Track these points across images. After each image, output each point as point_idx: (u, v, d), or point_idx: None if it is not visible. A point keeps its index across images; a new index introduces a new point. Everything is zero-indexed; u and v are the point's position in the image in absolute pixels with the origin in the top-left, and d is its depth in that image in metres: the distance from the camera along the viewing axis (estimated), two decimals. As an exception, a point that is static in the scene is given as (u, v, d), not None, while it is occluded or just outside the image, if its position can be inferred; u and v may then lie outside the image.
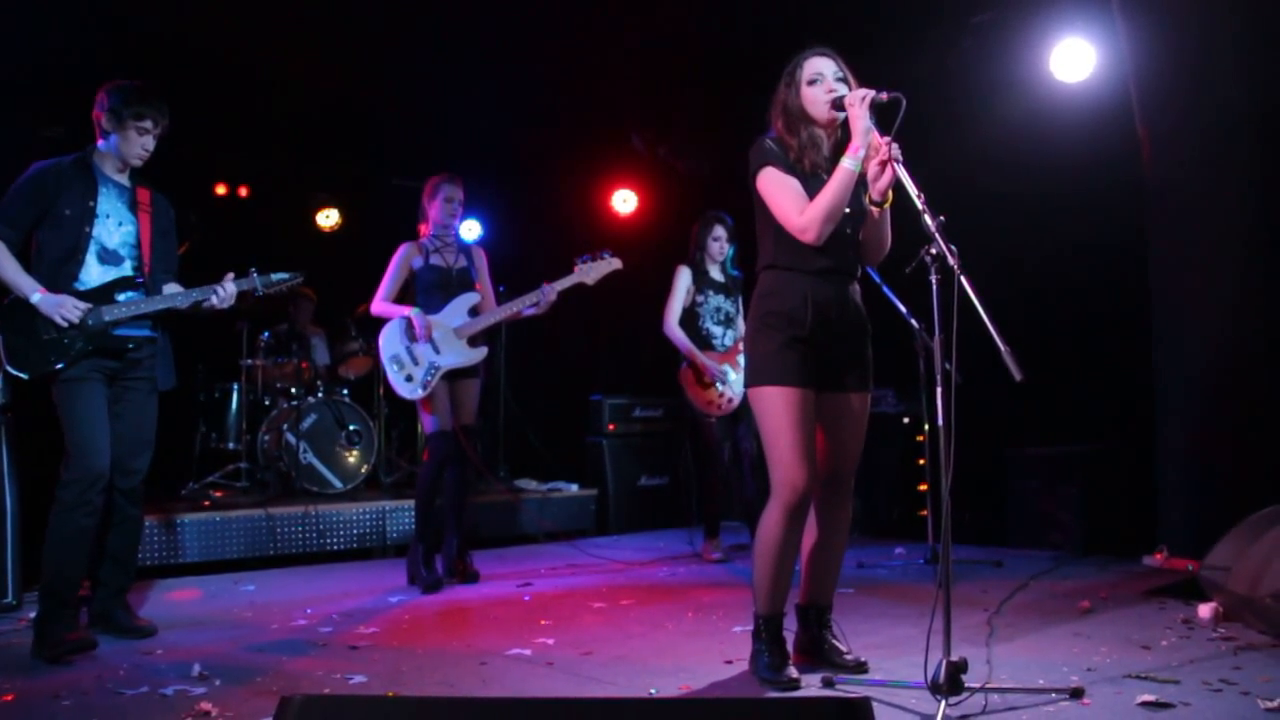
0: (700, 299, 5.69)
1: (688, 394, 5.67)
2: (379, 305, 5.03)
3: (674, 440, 7.41)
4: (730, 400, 5.59)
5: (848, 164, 3.08)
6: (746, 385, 3.32)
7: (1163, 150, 5.31)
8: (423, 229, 5.17)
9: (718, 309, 5.71)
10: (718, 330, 5.69)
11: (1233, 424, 5.00)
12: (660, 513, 7.29)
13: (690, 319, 5.68)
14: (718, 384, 5.56)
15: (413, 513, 5.25)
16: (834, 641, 3.38)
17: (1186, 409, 5.17)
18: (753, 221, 3.36)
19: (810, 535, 3.39)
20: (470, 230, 8.10)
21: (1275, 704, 2.78)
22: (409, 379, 4.93)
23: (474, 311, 5.07)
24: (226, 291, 3.98)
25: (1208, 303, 5.13)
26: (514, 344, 7.61)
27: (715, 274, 5.74)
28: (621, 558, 5.91)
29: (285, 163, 8.10)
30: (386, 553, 6.10)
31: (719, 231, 5.69)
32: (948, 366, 2.83)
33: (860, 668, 3.29)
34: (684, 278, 5.68)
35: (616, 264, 5.11)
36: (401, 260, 5.07)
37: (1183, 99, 5.17)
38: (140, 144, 3.88)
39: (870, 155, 3.10)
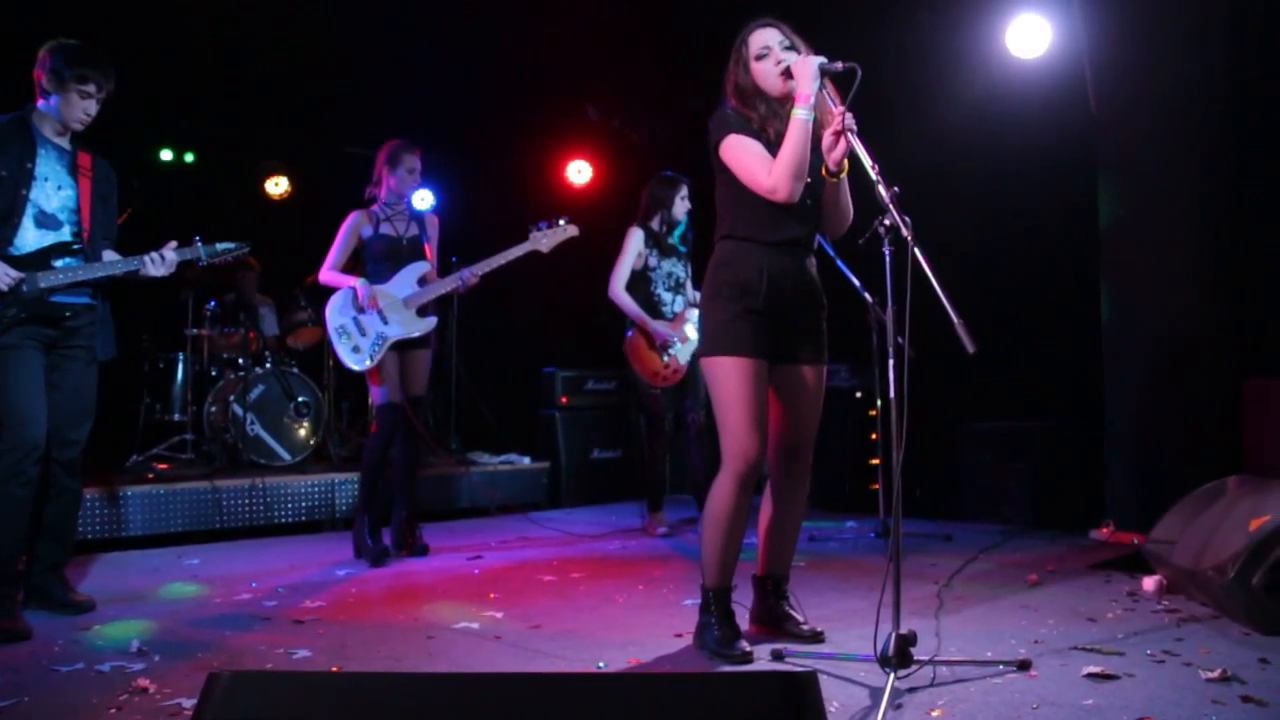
0: (654, 263, 5.53)
1: (632, 363, 5.54)
2: (326, 274, 4.93)
3: (627, 413, 7.39)
4: (675, 371, 5.46)
5: (800, 113, 3.04)
6: (699, 354, 3.28)
7: (1115, 127, 5.34)
8: (373, 191, 5.06)
9: (669, 274, 5.56)
10: (668, 297, 5.54)
11: (1179, 401, 5.06)
12: (612, 486, 7.27)
13: (641, 283, 5.52)
14: (665, 353, 5.44)
15: (362, 485, 5.17)
16: (790, 612, 3.39)
17: (1134, 386, 5.23)
18: (709, 190, 3.33)
19: (768, 508, 3.39)
20: (423, 200, 7.97)
21: (1215, 674, 2.81)
22: (356, 350, 4.84)
23: (423, 281, 4.98)
24: (166, 260, 3.85)
25: (1157, 279, 5.18)
26: (466, 315, 7.52)
27: (671, 237, 5.59)
28: (573, 530, 5.88)
29: (233, 128, 7.92)
30: (335, 526, 6.02)
31: (685, 191, 5.54)
32: (900, 339, 2.82)
33: (816, 637, 3.30)
34: (636, 240, 5.50)
35: (573, 231, 5.04)
36: (350, 229, 4.97)
37: (1136, 75, 5.20)
38: (82, 107, 3.75)
39: (824, 125, 3.07)
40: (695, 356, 3.34)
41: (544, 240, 4.99)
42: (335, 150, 8.11)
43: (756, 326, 3.15)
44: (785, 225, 3.19)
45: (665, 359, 5.45)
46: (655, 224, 5.57)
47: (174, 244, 3.91)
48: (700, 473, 5.54)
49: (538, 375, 7.41)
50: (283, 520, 5.91)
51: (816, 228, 3.32)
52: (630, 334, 5.55)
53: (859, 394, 6.65)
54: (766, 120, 3.19)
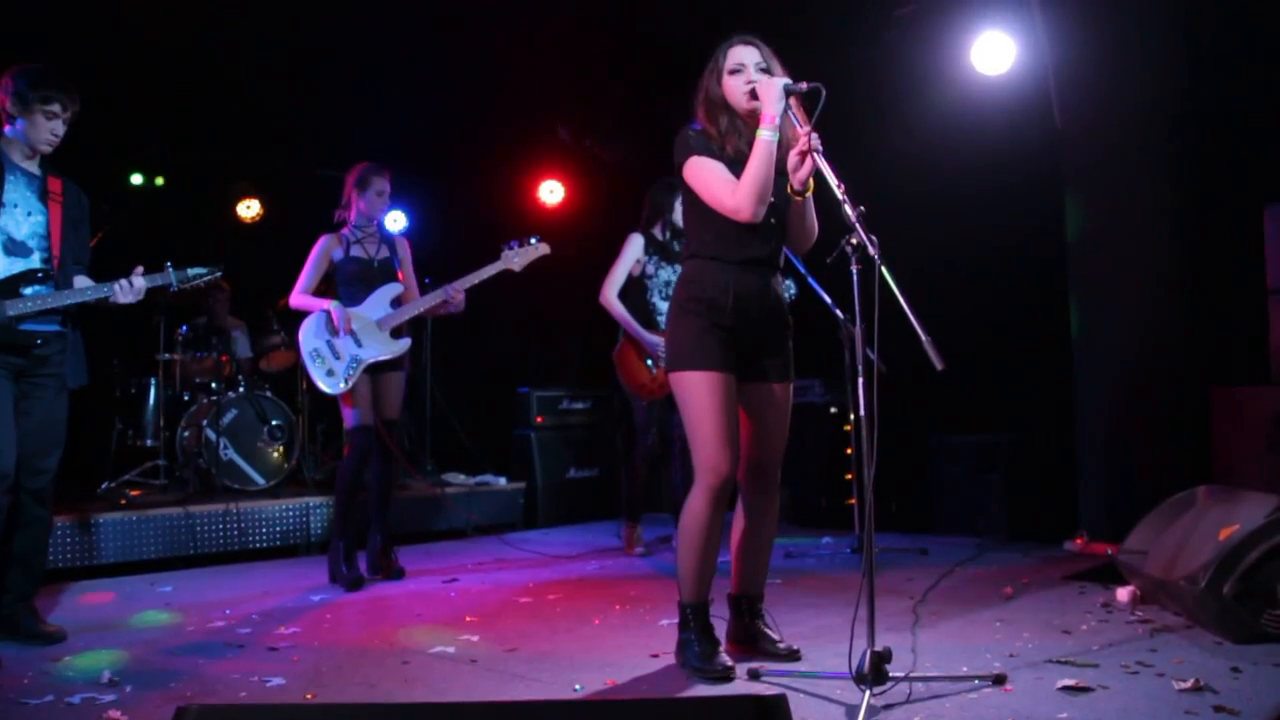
0: (652, 269, 5.41)
1: (619, 373, 5.46)
2: (297, 298, 4.91)
3: (602, 432, 7.39)
4: (662, 385, 5.38)
5: (765, 135, 3.07)
6: (667, 369, 3.29)
7: (1080, 142, 5.42)
8: (342, 214, 5.05)
9: (668, 283, 5.40)
10: (664, 306, 5.36)
11: (1149, 412, 5.12)
12: (589, 505, 7.26)
13: (637, 291, 5.41)
14: (651, 363, 5.35)
15: (338, 510, 5.14)
16: (766, 630, 3.39)
17: (1105, 397, 5.29)
18: None
19: (739, 525, 3.40)
20: (395, 221, 7.98)
21: (1188, 684, 2.84)
22: (330, 373, 4.82)
23: (396, 303, 4.98)
24: (134, 287, 3.81)
25: (1124, 292, 5.25)
26: (440, 336, 7.51)
27: (672, 245, 5.45)
28: (549, 551, 5.87)
29: (204, 152, 7.88)
30: (311, 550, 5.97)
31: None
32: (869, 355, 2.84)
33: (793, 655, 3.30)
34: (635, 246, 5.38)
35: (544, 250, 5.04)
36: (321, 252, 4.95)
37: (1100, 91, 5.28)
38: (49, 129, 3.72)
39: (789, 144, 3.10)
40: (665, 370, 3.32)
41: (516, 259, 4.99)
42: (307, 173, 8.07)
43: (723, 341, 3.17)
44: (750, 244, 3.22)
45: (653, 370, 5.38)
46: (658, 231, 5.47)
47: (142, 270, 3.88)
48: (680, 491, 5.50)
49: (512, 395, 7.39)
50: (257, 545, 5.86)
51: (781, 246, 3.34)
52: (620, 343, 5.49)
53: (833, 409, 6.68)
54: (727, 135, 3.22)
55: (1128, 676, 2.99)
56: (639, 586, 4.71)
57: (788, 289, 5.10)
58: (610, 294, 5.35)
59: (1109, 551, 4.68)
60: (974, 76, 5.76)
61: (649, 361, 5.37)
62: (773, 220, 3.23)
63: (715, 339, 3.17)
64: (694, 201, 3.25)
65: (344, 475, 4.94)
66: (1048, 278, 5.75)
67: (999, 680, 2.96)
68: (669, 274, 5.42)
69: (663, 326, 5.30)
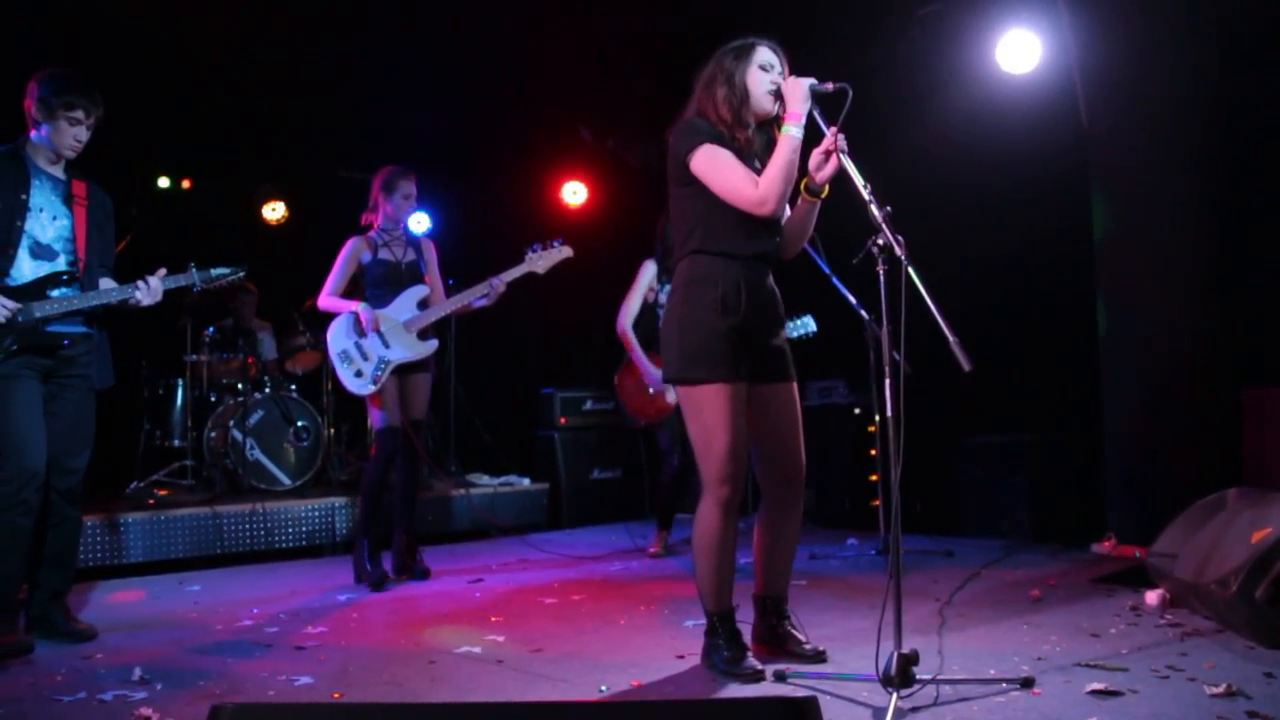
0: (664, 299, 5.37)
1: (619, 395, 5.58)
2: (326, 300, 4.94)
3: (626, 434, 7.39)
4: (660, 411, 5.46)
5: (793, 131, 3.04)
6: (673, 379, 3.21)
7: (1107, 139, 5.37)
8: (369, 218, 5.08)
9: None
10: None
11: (1178, 412, 5.07)
12: (613, 506, 7.27)
13: (650, 317, 5.46)
14: (653, 390, 5.42)
15: (363, 510, 5.17)
16: (792, 631, 3.37)
17: (1133, 397, 5.24)
18: None
19: (763, 527, 3.37)
20: (419, 223, 8.01)
21: (1220, 690, 2.81)
22: (359, 374, 4.85)
23: (423, 305, 5.00)
24: (150, 287, 3.82)
25: (1153, 291, 5.20)
26: (465, 337, 7.53)
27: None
28: (573, 552, 5.87)
29: (230, 155, 7.94)
30: (336, 550, 6.01)
31: None
32: (896, 357, 2.83)
33: (819, 657, 3.28)
34: (647, 274, 5.43)
35: (567, 253, 5.06)
36: (350, 254, 4.98)
37: (1127, 89, 5.24)
38: (72, 134, 3.76)
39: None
40: (669, 381, 3.29)
41: (540, 262, 5.01)
42: (331, 175, 8.13)
43: (735, 346, 3.12)
44: (759, 239, 3.18)
45: (652, 394, 5.45)
46: (662, 254, 5.48)
47: (163, 271, 3.90)
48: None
49: (536, 396, 7.41)
50: (283, 545, 5.90)
51: (780, 243, 3.31)
52: (621, 367, 5.57)
53: (857, 410, 6.66)
54: (735, 128, 3.17)
55: (1158, 681, 2.96)
56: (664, 587, 4.71)
57: (806, 326, 5.14)
58: (626, 323, 5.43)
59: (1137, 554, 4.64)
60: (999, 75, 5.73)
61: (650, 389, 5.45)
62: (781, 216, 3.22)
63: (725, 343, 3.10)
64: (698, 193, 3.15)
65: (370, 476, 4.97)
66: (1074, 277, 5.71)
67: (1027, 683, 2.93)
68: None
69: None
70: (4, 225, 3.65)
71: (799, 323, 5.24)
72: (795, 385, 3.31)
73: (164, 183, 7.99)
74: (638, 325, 5.46)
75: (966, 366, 2.69)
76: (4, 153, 3.75)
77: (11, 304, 3.58)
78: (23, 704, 3.04)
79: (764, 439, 3.28)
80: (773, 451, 3.29)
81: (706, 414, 3.11)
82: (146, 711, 2.89)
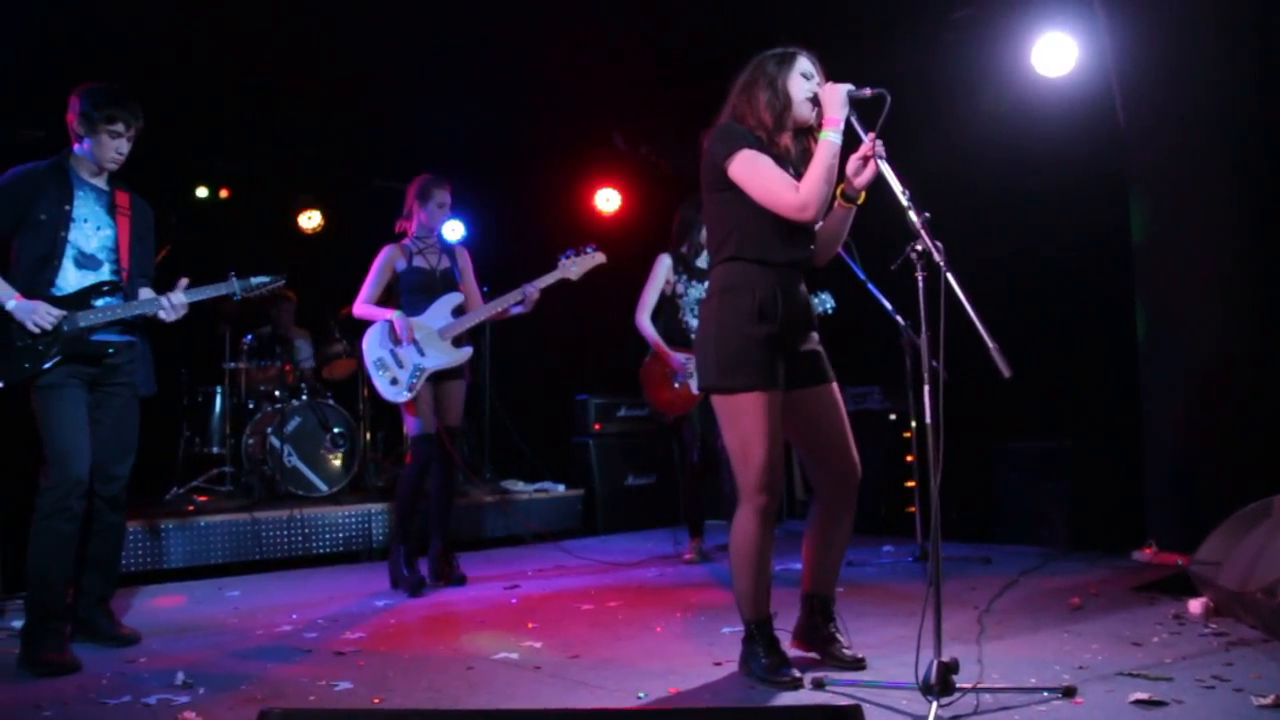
0: (682, 289, 5.48)
1: (644, 390, 5.56)
2: (361, 308, 4.98)
3: (660, 440, 7.40)
4: (686, 402, 5.45)
5: (831, 136, 3.04)
6: (709, 388, 3.20)
7: (1145, 142, 5.32)
8: (404, 225, 5.12)
9: (699, 301, 5.31)
10: (696, 324, 5.48)
11: (1221, 417, 5.01)
12: (647, 512, 7.27)
13: (669, 310, 5.50)
14: (677, 382, 5.41)
15: (399, 516, 5.20)
16: (835, 633, 3.36)
17: (1175, 402, 5.18)
18: None
19: (815, 528, 3.37)
20: (453, 231, 8.04)
21: (1269, 700, 2.77)
22: (394, 382, 4.89)
23: (457, 312, 5.03)
24: (172, 304, 3.86)
25: (1193, 295, 5.14)
26: (499, 344, 7.57)
27: (701, 262, 5.51)
28: (609, 558, 5.88)
29: (266, 164, 8.03)
30: (373, 556, 6.05)
31: None
32: (935, 365, 2.81)
33: (858, 664, 3.27)
34: (663, 267, 5.48)
35: (600, 259, 5.07)
36: (384, 262, 5.02)
37: (1164, 91, 5.19)
38: (113, 147, 3.82)
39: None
40: (704, 389, 3.28)
41: (573, 268, 5.03)
42: (366, 183, 8.21)
43: (771, 354, 3.12)
44: (795, 246, 3.18)
45: (676, 387, 5.44)
46: (685, 248, 5.55)
47: (184, 283, 3.91)
48: (731, 502, 5.49)
49: (571, 403, 7.43)
50: (320, 551, 5.96)
51: (814, 250, 3.31)
52: (646, 360, 5.56)
53: (893, 416, 6.62)
54: (776, 133, 3.17)
55: (1203, 691, 2.92)
56: (700, 594, 4.71)
57: (825, 303, 5.13)
58: (643, 317, 5.46)
59: (1179, 562, 4.58)
60: (1034, 78, 5.69)
61: (675, 381, 5.44)
62: (819, 222, 3.22)
63: (761, 351, 3.10)
64: (734, 199, 3.14)
65: (406, 482, 5.00)
66: (1112, 280, 5.65)
67: (1069, 693, 2.90)
68: (699, 291, 5.46)
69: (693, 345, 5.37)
70: (49, 236, 3.71)
71: (818, 299, 5.22)
72: (836, 386, 3.30)
73: (202, 193, 8.09)
74: (656, 318, 5.49)
75: (1006, 373, 2.68)
76: (49, 166, 3.81)
77: (57, 311, 3.65)
78: (70, 707, 3.09)
79: (812, 442, 3.27)
80: (823, 453, 3.28)
81: (743, 422, 3.11)
82: (190, 715, 2.93)
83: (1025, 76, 5.73)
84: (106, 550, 3.95)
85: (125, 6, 5.66)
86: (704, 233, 5.39)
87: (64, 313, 3.67)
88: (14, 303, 3.61)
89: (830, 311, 5.21)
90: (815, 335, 3.30)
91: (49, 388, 3.66)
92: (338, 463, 6.72)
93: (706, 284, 5.38)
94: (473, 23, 6.20)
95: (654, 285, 5.49)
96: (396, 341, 4.89)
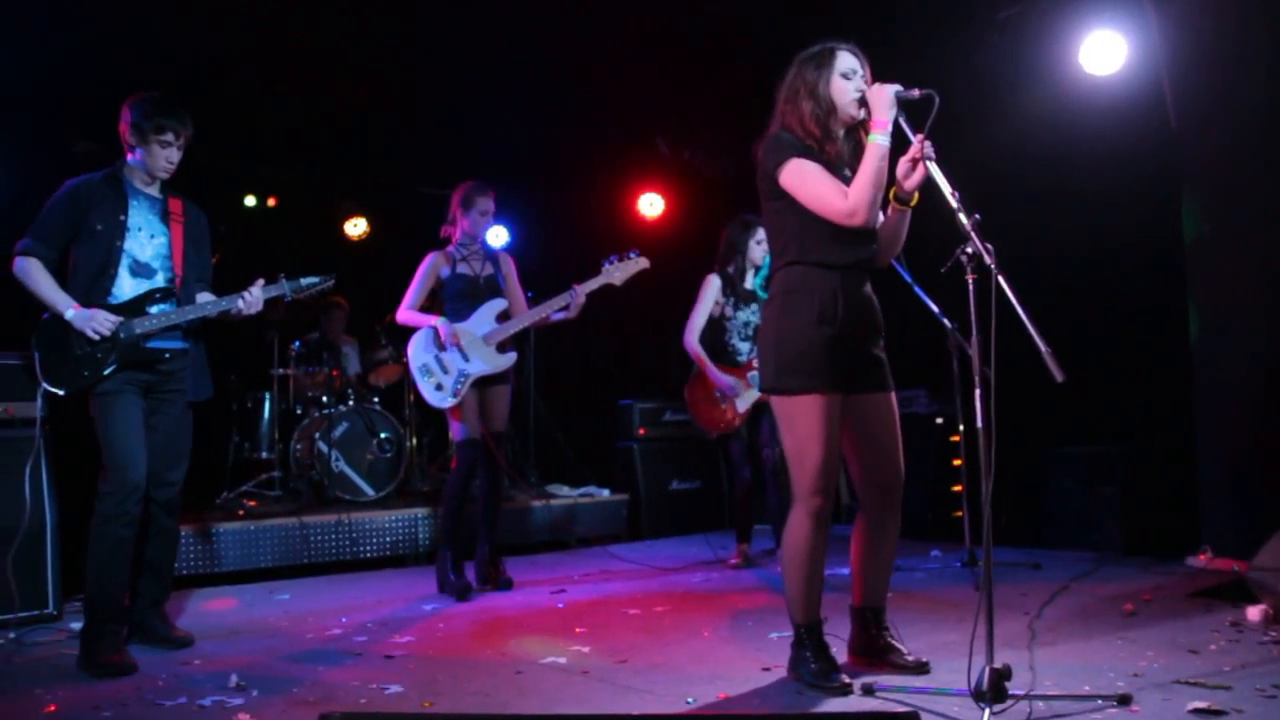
0: (730, 312, 5.52)
1: (690, 410, 5.62)
2: (404, 314, 5.03)
3: (705, 445, 7.39)
4: (730, 422, 5.48)
5: (879, 139, 3.02)
6: (769, 389, 3.22)
7: (1197, 140, 5.24)
8: (448, 232, 5.17)
9: (746, 324, 5.53)
10: (744, 347, 5.52)
11: (1277, 419, 4.90)
12: (692, 517, 7.26)
13: (716, 332, 5.53)
14: (724, 402, 5.45)
15: (446, 521, 5.23)
16: (892, 642, 3.35)
17: (1229, 404, 5.08)
18: None
19: (861, 538, 3.35)
20: (497, 237, 8.10)
21: (1330, 709, 2.71)
22: (439, 387, 4.93)
23: (501, 318, 5.06)
24: (252, 297, 3.96)
25: (1247, 295, 5.04)
26: (544, 349, 7.60)
27: (748, 283, 5.56)
28: (654, 563, 5.87)
29: (313, 173, 8.13)
30: (419, 560, 6.09)
31: (761, 234, 5.45)
32: (986, 370, 2.78)
33: (921, 668, 3.25)
34: (712, 289, 5.51)
35: (644, 264, 5.08)
36: (429, 269, 5.07)
37: (1216, 89, 5.10)
38: (164, 156, 3.88)
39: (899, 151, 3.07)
40: (765, 391, 3.28)
41: (616, 273, 5.03)
42: (410, 191, 8.28)
43: (831, 357, 3.11)
44: (855, 247, 3.17)
45: (723, 406, 5.47)
46: (731, 269, 5.56)
47: (261, 281, 4.03)
48: (777, 513, 5.50)
49: (615, 408, 7.44)
50: (367, 555, 6.01)
51: (876, 251, 3.29)
52: (692, 379, 5.59)
53: (939, 420, 6.56)
54: (825, 141, 3.16)
55: (1264, 701, 2.86)
56: (746, 599, 4.69)
57: None
58: (692, 338, 5.48)
59: (1236, 568, 4.49)
60: (1083, 77, 5.62)
61: (721, 401, 5.47)
62: (875, 224, 3.20)
63: (821, 353, 3.10)
64: (790, 207, 3.16)
65: (452, 487, 5.03)
66: (1163, 282, 5.56)
67: (1124, 701, 2.86)
68: (747, 315, 5.53)
69: (740, 364, 5.48)
70: (105, 246, 3.79)
71: None
72: (894, 395, 3.28)
73: (250, 201, 8.20)
74: (703, 339, 5.52)
75: (1059, 378, 2.65)
76: (103, 177, 3.89)
77: (114, 318, 3.72)
78: (128, 707, 3.14)
79: (863, 450, 3.26)
80: (872, 462, 3.27)
81: (800, 424, 3.11)
82: (244, 717, 2.97)
83: (1074, 75, 5.66)
84: (161, 554, 4.02)
85: (176, 20, 5.76)
86: (750, 253, 5.46)
87: (120, 319, 3.74)
88: (73, 312, 3.69)
89: None
90: (880, 340, 3.28)
91: (106, 394, 3.74)
92: (384, 467, 6.78)
93: (753, 306, 5.48)
94: (517, 30, 6.24)
95: (703, 306, 5.51)
96: (441, 347, 4.93)
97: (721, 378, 5.41)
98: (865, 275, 3.24)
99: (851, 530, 3.41)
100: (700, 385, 5.57)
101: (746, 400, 5.44)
